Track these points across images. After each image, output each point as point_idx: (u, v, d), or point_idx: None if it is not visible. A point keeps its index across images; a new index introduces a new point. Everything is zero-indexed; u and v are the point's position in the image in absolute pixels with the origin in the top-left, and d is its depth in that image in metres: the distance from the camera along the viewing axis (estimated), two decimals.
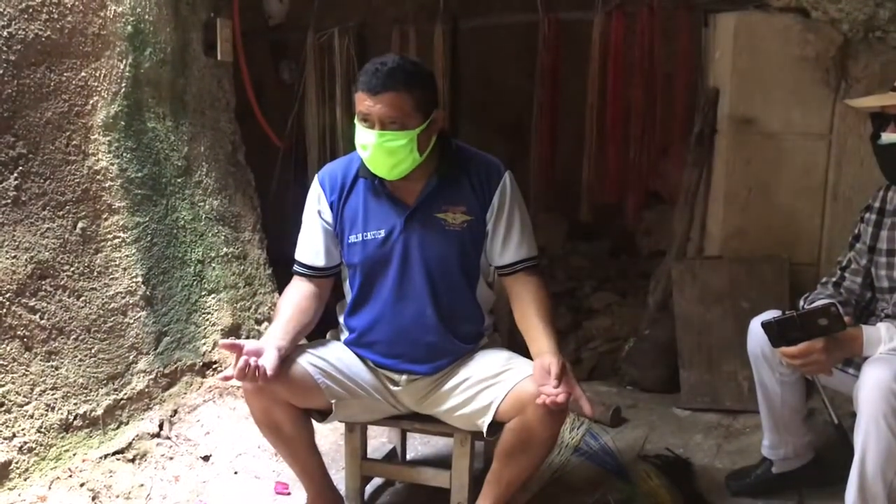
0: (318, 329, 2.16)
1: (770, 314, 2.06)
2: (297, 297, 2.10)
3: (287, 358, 1.96)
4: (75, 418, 2.34)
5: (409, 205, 2.06)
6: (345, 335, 2.18)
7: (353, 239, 2.08)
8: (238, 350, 1.85)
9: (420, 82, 1.96)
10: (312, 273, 2.13)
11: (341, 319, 2.20)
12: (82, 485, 2.24)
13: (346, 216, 2.09)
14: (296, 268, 2.16)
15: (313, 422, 2.09)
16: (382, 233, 2.06)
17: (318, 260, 2.13)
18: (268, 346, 1.90)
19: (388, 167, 1.98)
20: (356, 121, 1.98)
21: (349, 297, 2.17)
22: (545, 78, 3.75)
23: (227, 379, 1.88)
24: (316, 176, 2.16)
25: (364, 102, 1.92)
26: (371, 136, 1.93)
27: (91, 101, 2.50)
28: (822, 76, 3.02)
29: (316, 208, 2.12)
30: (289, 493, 2.44)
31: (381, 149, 1.93)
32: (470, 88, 4.29)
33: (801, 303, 2.27)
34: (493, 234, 2.08)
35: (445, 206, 2.06)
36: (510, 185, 2.09)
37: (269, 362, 1.85)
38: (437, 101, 2.03)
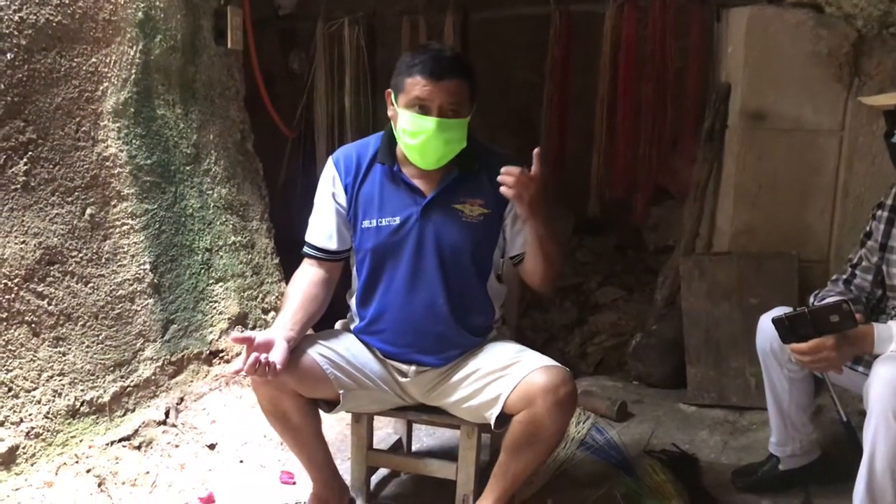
0: (325, 316, 2.15)
1: (779, 310, 2.04)
2: (306, 283, 2.08)
3: (296, 348, 1.95)
4: (82, 404, 2.34)
5: (427, 194, 2.05)
6: (355, 323, 2.18)
7: (366, 224, 2.07)
8: (248, 342, 1.83)
9: (472, 72, 2.01)
10: (323, 256, 2.11)
11: (352, 306, 2.19)
12: (88, 471, 2.24)
13: (361, 200, 2.08)
14: (306, 249, 2.13)
15: (320, 411, 2.09)
16: (397, 220, 2.05)
17: (331, 243, 2.10)
18: (277, 338, 1.88)
19: (438, 156, 1.98)
20: (401, 108, 1.96)
21: (357, 283, 2.16)
22: (555, 71, 3.74)
23: (236, 373, 1.87)
24: (330, 157, 2.14)
25: (422, 88, 1.92)
26: (429, 122, 1.92)
27: (101, 88, 2.49)
28: (835, 72, 3.00)
29: (330, 190, 2.10)
30: (294, 483, 2.44)
31: (438, 136, 1.93)
32: (479, 81, 4.27)
33: (812, 300, 2.26)
34: (511, 225, 2.09)
35: (463, 198, 2.06)
36: None
37: (278, 356, 1.84)
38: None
